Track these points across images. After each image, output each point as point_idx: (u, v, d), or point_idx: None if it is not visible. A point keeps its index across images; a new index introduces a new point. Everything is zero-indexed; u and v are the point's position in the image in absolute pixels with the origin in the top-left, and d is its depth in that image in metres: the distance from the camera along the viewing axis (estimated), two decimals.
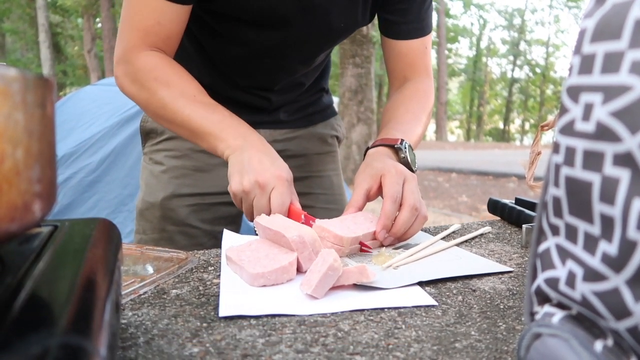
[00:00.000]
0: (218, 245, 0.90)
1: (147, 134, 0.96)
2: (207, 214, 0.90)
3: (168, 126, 0.76)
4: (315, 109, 1.01)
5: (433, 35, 0.96)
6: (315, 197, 0.99)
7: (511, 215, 0.84)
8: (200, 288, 0.52)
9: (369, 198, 0.70)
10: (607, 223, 0.24)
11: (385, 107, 0.92)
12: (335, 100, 6.01)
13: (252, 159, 0.68)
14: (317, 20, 0.80)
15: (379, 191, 0.69)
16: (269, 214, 0.66)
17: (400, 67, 0.92)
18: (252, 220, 0.68)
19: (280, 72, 0.88)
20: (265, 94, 0.91)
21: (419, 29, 0.89)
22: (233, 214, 0.93)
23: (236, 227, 0.95)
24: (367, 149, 0.79)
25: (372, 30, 5.93)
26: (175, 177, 0.90)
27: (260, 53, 0.83)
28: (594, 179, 0.25)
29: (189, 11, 0.76)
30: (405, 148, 0.75)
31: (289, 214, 0.67)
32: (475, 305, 0.48)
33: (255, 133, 0.73)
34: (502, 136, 29.77)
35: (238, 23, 0.79)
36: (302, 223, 0.65)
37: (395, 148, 0.76)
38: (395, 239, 0.65)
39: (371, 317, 0.45)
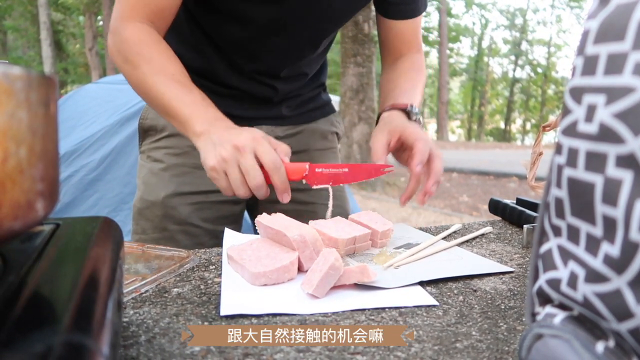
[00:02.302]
0: (219, 244, 0.90)
1: (145, 131, 0.95)
2: (209, 212, 0.90)
3: (147, 101, 0.76)
4: (315, 105, 1.01)
5: (434, 34, 0.99)
6: (318, 193, 0.99)
7: (512, 215, 0.84)
8: (202, 287, 0.52)
9: (388, 150, 0.76)
10: (610, 224, 0.24)
11: (383, 78, 0.98)
12: (337, 99, 6.00)
13: (221, 134, 0.65)
14: None
15: (397, 144, 0.76)
16: (265, 177, 0.62)
17: (395, 45, 0.98)
18: (245, 196, 0.63)
19: (286, 54, 0.88)
20: (272, 82, 0.90)
21: (416, 9, 0.95)
22: (235, 213, 0.93)
23: (237, 227, 0.94)
24: (380, 113, 0.85)
25: (374, 29, 5.92)
26: (176, 175, 0.89)
27: (263, 31, 0.83)
28: (597, 180, 0.25)
29: None
30: (416, 110, 0.83)
31: (289, 173, 0.64)
32: (476, 306, 0.48)
33: (224, 118, 0.70)
34: (503, 136, 29.74)
35: None
36: (306, 176, 0.64)
37: (406, 111, 0.83)
38: (432, 181, 0.72)
39: (372, 317, 0.45)
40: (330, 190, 0.68)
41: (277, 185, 0.64)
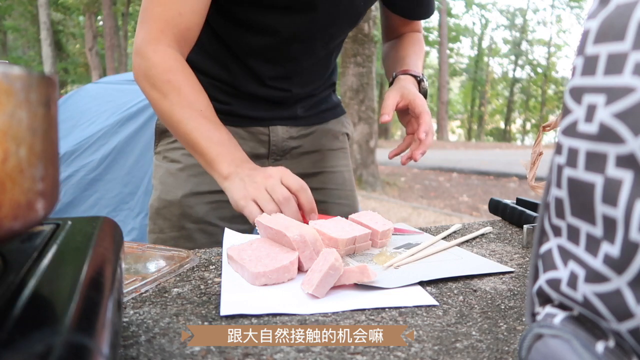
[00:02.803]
0: None
1: (162, 133, 0.95)
2: (225, 211, 0.90)
3: (172, 132, 0.77)
4: (327, 106, 1.03)
5: (434, 34, 1.02)
6: (329, 192, 1.00)
7: (512, 215, 0.84)
8: (202, 287, 0.52)
9: (396, 108, 0.84)
10: (610, 224, 0.24)
11: (388, 48, 1.05)
12: None
13: (249, 174, 0.69)
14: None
15: (404, 107, 0.85)
16: (296, 207, 0.67)
17: (399, 30, 1.06)
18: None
19: (304, 58, 0.89)
20: (288, 86, 0.92)
21: (427, 12, 1.02)
22: None
23: (251, 227, 0.95)
24: (395, 75, 0.92)
25: (374, 29, 5.92)
26: (193, 175, 0.90)
27: (288, 39, 0.84)
28: (597, 180, 0.25)
29: (209, 3, 0.76)
30: (426, 81, 0.93)
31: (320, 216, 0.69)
32: (476, 306, 0.48)
33: (249, 160, 0.73)
34: (503, 136, 29.74)
35: (264, 9, 0.79)
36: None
37: (418, 80, 0.92)
38: (421, 153, 0.82)
39: (372, 317, 0.45)
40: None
41: (304, 205, 0.68)
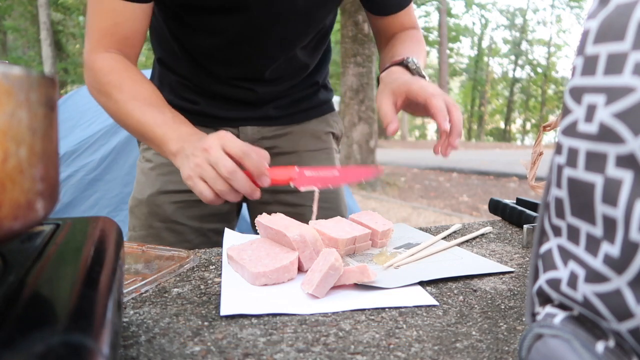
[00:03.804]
0: (207, 243, 0.90)
1: None
2: (194, 210, 0.90)
3: (126, 129, 0.77)
4: (310, 105, 0.99)
5: (434, 34, 0.97)
6: (306, 195, 0.94)
7: (512, 215, 0.84)
8: (202, 287, 0.52)
9: (397, 109, 0.73)
10: (610, 224, 0.24)
11: (382, 54, 0.94)
12: (337, 99, 6.01)
13: (193, 146, 0.66)
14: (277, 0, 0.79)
15: (405, 102, 0.72)
16: (239, 165, 0.62)
17: (389, 32, 0.95)
18: (229, 195, 0.63)
19: (261, 60, 0.87)
20: (251, 86, 0.90)
21: (401, 2, 0.92)
22: (223, 212, 0.92)
23: (231, 226, 0.94)
24: (379, 76, 0.81)
25: None
26: (162, 173, 0.90)
27: (234, 40, 0.83)
28: (597, 180, 0.25)
29: (149, 9, 0.76)
30: (413, 60, 0.78)
31: (277, 176, 0.64)
32: (476, 305, 0.48)
33: (198, 132, 0.71)
34: (503, 136, 29.75)
35: (203, 11, 0.79)
36: (295, 179, 0.64)
37: (403, 64, 0.78)
38: (456, 134, 0.69)
39: (372, 317, 0.45)
40: (316, 193, 0.67)
41: (252, 171, 0.62)
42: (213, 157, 0.62)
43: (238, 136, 0.92)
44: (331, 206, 0.97)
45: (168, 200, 0.89)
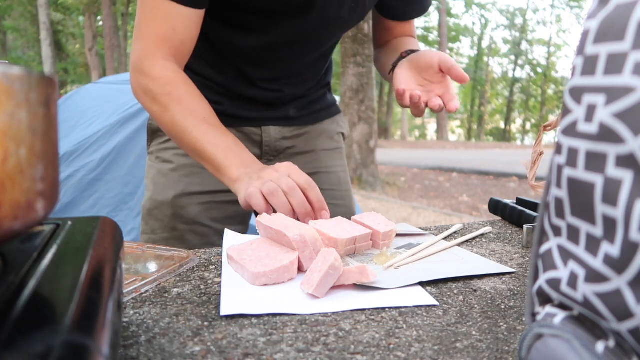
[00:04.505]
0: None
1: (154, 132, 0.95)
2: (217, 212, 0.90)
3: (178, 143, 0.77)
4: (321, 106, 1.02)
5: (434, 34, 1.00)
6: (324, 193, 0.98)
7: (512, 215, 0.84)
8: (202, 287, 0.52)
9: (412, 78, 0.80)
10: (610, 224, 0.24)
11: (380, 53, 0.99)
12: (337, 99, 6.00)
13: (256, 173, 0.69)
14: (334, 2, 0.81)
15: (418, 69, 0.80)
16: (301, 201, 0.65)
17: (394, 35, 1.00)
18: (288, 211, 0.65)
19: (297, 62, 0.89)
20: (280, 87, 0.91)
21: (419, 9, 0.97)
22: (242, 214, 0.93)
23: (244, 228, 0.95)
24: (395, 64, 0.86)
25: None
26: (185, 175, 0.90)
27: (278, 42, 0.83)
28: (597, 180, 0.25)
29: (203, 15, 0.76)
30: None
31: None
32: (476, 305, 0.48)
33: (257, 162, 0.73)
34: (503, 136, 29.75)
35: (261, 13, 0.79)
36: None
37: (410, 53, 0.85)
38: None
39: (372, 317, 0.45)
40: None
41: (314, 203, 0.67)
42: (276, 177, 0.66)
43: (261, 136, 0.93)
44: (345, 203, 1.01)
45: (193, 201, 0.89)
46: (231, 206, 0.91)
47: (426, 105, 0.78)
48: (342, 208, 1.00)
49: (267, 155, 0.96)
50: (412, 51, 0.85)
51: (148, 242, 0.90)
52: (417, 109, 0.78)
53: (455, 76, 0.76)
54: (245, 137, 0.92)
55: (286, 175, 0.66)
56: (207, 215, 0.89)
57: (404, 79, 0.79)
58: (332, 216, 0.69)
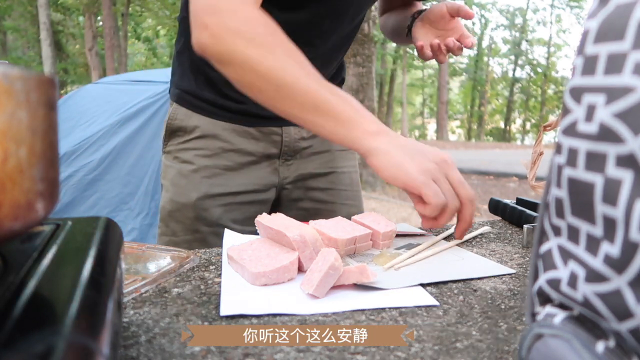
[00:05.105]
0: None
1: (173, 132, 0.92)
2: (237, 213, 0.89)
3: (275, 94, 0.66)
4: None
5: None
6: (337, 193, 0.99)
7: (512, 215, 0.84)
8: (202, 287, 0.52)
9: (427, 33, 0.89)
10: (610, 224, 0.24)
11: (387, 18, 1.05)
12: None
13: (408, 143, 0.63)
14: None
15: (434, 22, 0.89)
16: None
17: (399, 1, 1.05)
18: (455, 209, 0.62)
19: (329, 34, 0.87)
20: None
21: None
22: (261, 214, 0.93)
23: None
24: (408, 31, 0.94)
25: (374, 29, 5.92)
26: (207, 176, 0.88)
27: (322, 14, 0.82)
28: (597, 180, 0.25)
29: None
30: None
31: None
32: (476, 305, 0.48)
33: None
34: (503, 136, 29.74)
35: None
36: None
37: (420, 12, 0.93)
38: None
39: (372, 317, 0.45)
40: None
41: (463, 200, 0.62)
42: (445, 170, 0.62)
43: (281, 136, 0.92)
44: (355, 204, 1.02)
45: (215, 203, 0.88)
46: (251, 207, 0.90)
47: (447, 49, 0.85)
48: (353, 208, 1.00)
49: (285, 155, 0.94)
50: (422, 11, 0.93)
51: (169, 244, 0.88)
52: (438, 56, 0.86)
53: (464, 14, 0.85)
54: (265, 137, 0.91)
55: (452, 171, 0.62)
56: (228, 217, 0.88)
57: (421, 35, 0.88)
58: (344, 217, 0.69)
